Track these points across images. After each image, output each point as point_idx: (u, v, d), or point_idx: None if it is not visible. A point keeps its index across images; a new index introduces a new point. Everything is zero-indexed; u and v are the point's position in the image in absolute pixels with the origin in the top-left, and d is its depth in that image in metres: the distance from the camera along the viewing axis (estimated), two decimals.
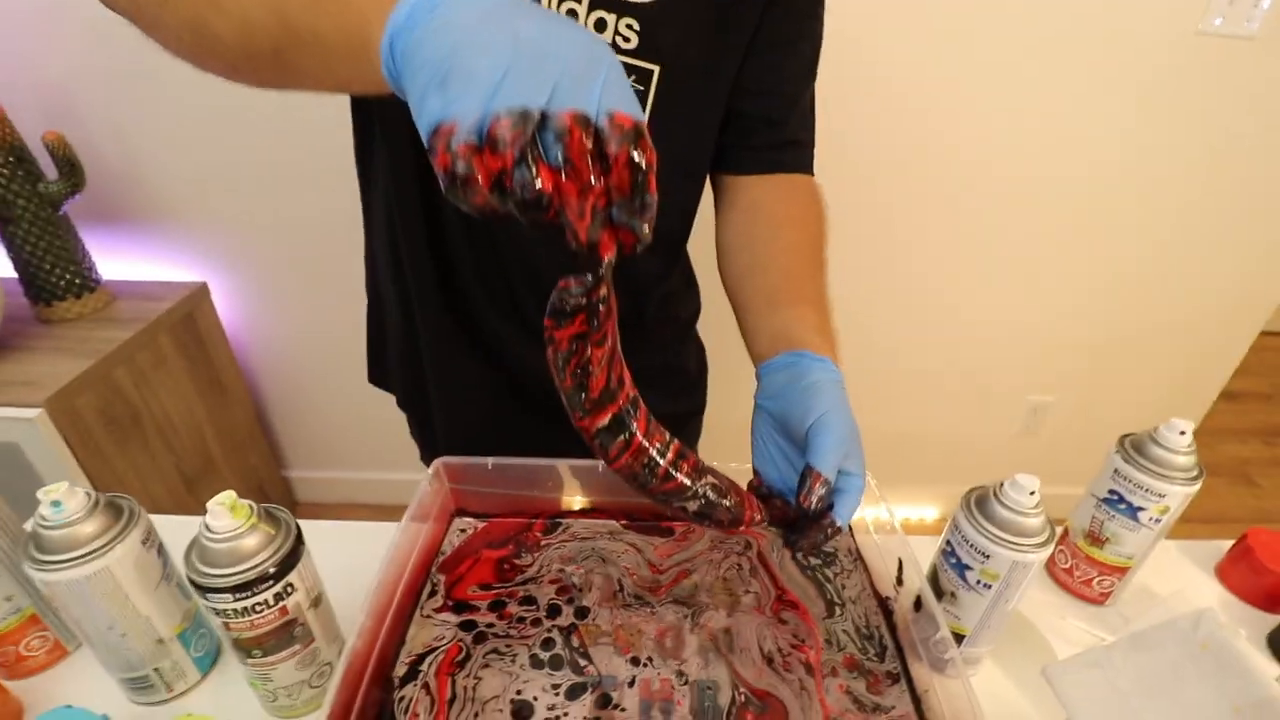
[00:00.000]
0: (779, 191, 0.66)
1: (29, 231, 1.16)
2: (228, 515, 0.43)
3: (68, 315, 1.24)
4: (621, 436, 0.40)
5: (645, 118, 0.59)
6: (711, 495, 0.44)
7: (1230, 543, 0.71)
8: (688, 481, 0.43)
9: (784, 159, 0.66)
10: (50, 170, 1.18)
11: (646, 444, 0.42)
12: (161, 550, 0.50)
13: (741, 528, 0.46)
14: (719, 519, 0.45)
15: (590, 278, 0.34)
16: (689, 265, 0.81)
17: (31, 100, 1.23)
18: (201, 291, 1.41)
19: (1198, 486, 0.58)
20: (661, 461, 0.42)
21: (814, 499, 0.43)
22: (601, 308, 0.35)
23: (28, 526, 0.55)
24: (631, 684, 0.50)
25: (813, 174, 0.68)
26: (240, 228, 1.41)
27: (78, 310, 1.25)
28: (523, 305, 0.68)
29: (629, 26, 0.57)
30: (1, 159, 1.11)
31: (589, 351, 0.37)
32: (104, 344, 1.17)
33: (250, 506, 0.45)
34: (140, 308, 1.29)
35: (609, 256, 0.33)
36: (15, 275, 1.21)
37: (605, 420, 0.40)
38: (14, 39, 1.20)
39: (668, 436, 0.43)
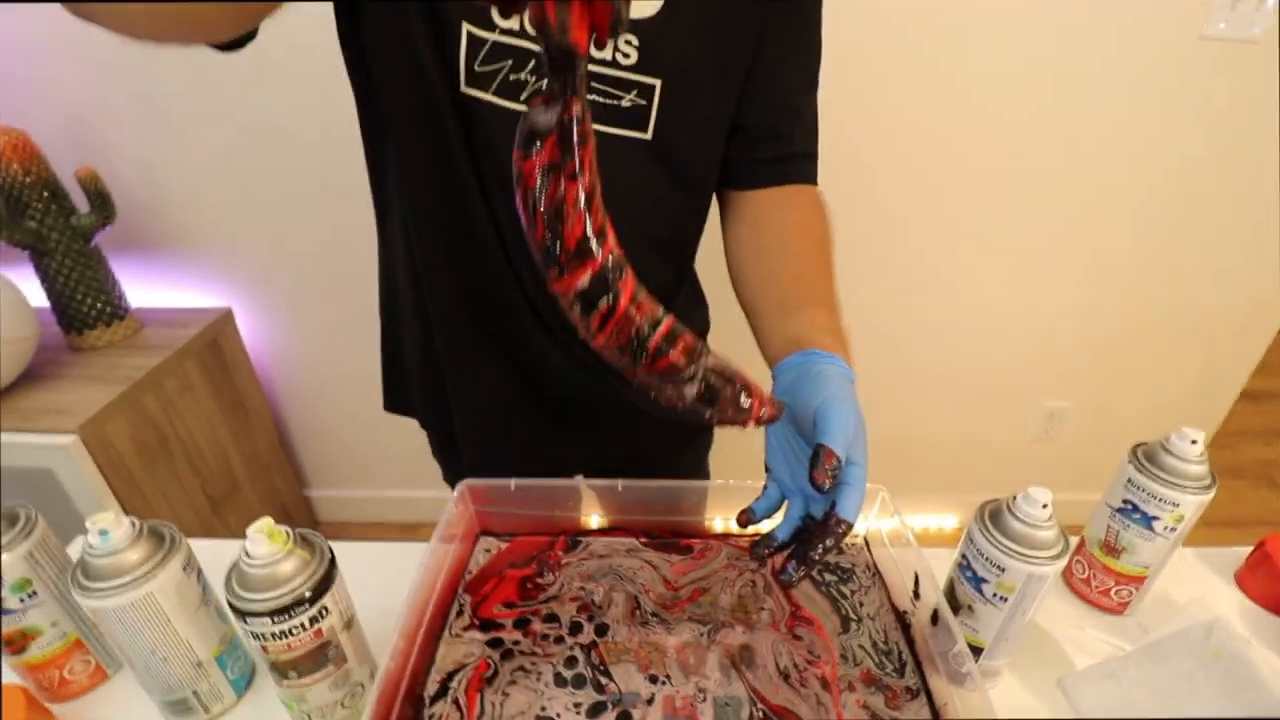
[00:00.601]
0: (785, 202, 0.67)
1: (62, 263, 1.20)
2: (266, 542, 0.45)
3: (98, 343, 1.28)
4: (604, 300, 0.36)
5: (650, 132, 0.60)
6: (713, 380, 0.40)
7: (1250, 548, 0.71)
8: (682, 360, 0.38)
9: (789, 171, 0.68)
10: (82, 203, 1.22)
11: (634, 313, 0.37)
12: (200, 575, 0.52)
13: (751, 421, 0.43)
14: (725, 412, 0.41)
15: (562, 83, 0.30)
16: (697, 282, 0.83)
17: (61, 136, 1.28)
18: (226, 317, 1.44)
19: (1211, 494, 0.59)
20: (652, 336, 0.37)
21: (827, 475, 0.42)
22: (576, 130, 0.32)
23: (72, 553, 0.57)
24: (651, 701, 0.51)
25: (816, 184, 0.69)
26: (263, 254, 1.45)
27: (108, 338, 1.28)
28: (538, 297, 0.68)
29: (628, 42, 0.58)
30: (37, 194, 1.15)
31: (563, 187, 0.33)
32: (133, 371, 1.20)
33: (287, 533, 0.47)
34: (167, 335, 1.33)
35: (582, 49, 0.29)
36: (48, 305, 1.25)
37: (584, 279, 0.35)
38: (43, 77, 1.25)
39: (660, 311, 0.39)
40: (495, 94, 0.57)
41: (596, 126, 0.57)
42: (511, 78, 0.57)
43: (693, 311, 0.83)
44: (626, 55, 0.59)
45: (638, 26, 0.58)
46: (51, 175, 1.18)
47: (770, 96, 0.65)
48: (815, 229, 0.65)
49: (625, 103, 0.60)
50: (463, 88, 0.57)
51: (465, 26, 0.55)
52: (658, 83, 0.60)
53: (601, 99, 0.59)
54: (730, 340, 0.77)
